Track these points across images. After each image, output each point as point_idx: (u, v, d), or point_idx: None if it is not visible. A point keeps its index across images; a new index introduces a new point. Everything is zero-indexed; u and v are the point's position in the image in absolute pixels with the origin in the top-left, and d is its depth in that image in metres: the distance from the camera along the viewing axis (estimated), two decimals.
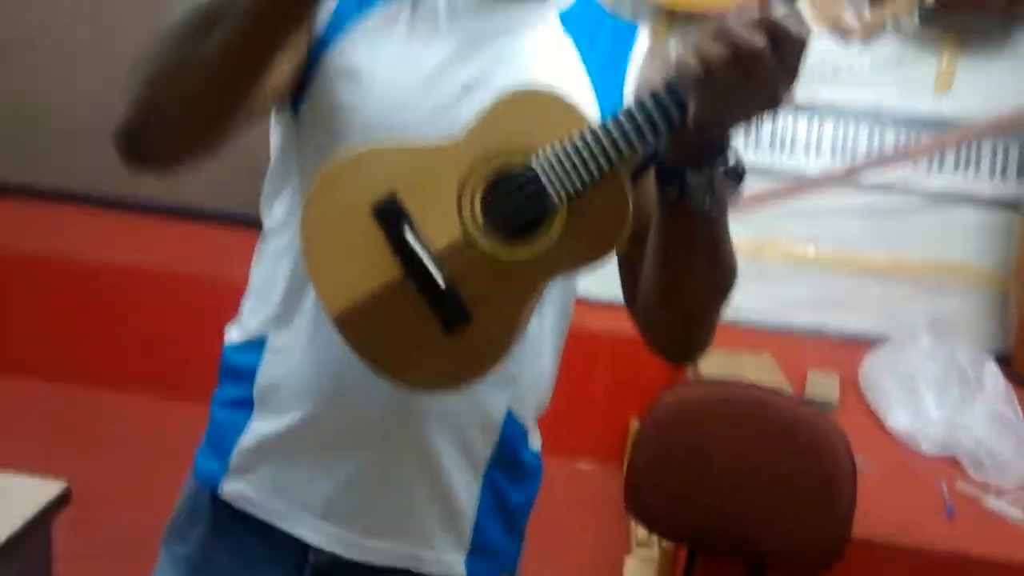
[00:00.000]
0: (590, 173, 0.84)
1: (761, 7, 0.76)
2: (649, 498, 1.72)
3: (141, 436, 2.90)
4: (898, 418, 2.39)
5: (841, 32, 0.81)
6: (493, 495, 1.06)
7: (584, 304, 1.18)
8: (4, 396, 2.98)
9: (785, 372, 2.65)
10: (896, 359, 2.56)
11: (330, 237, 0.89)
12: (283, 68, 0.91)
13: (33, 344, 3.16)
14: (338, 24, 0.95)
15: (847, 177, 2.98)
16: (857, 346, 2.82)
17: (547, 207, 0.86)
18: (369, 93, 0.93)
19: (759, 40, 0.74)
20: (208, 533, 1.06)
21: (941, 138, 2.90)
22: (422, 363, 0.90)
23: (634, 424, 2.99)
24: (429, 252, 0.87)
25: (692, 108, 0.80)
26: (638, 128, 0.83)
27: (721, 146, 0.85)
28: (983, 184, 2.97)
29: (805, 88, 0.79)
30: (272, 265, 1.02)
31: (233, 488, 1.03)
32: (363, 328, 0.89)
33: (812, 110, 2.95)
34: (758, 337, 2.95)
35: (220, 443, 1.05)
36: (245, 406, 1.03)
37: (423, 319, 0.88)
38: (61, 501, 1.35)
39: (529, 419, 1.08)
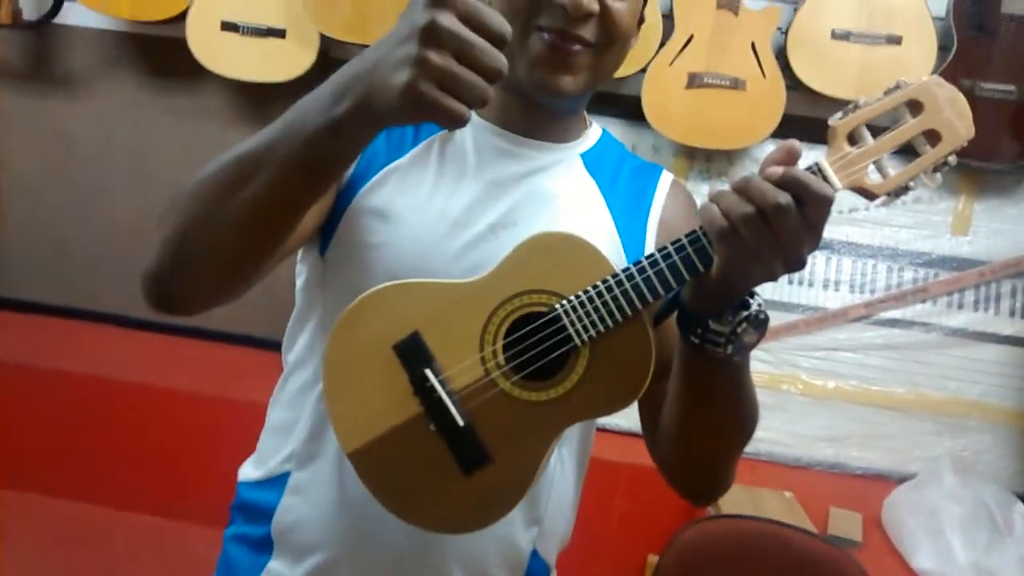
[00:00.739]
0: (613, 318, 0.85)
1: (786, 165, 0.77)
2: None
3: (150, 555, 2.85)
4: (923, 560, 2.31)
5: (865, 192, 0.81)
6: None
7: (601, 433, 1.16)
8: (17, 512, 2.96)
9: (806, 508, 2.59)
10: (919, 497, 2.50)
11: (351, 372, 0.89)
12: (312, 210, 0.90)
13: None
14: (368, 166, 0.97)
15: (866, 312, 2.99)
16: (879, 483, 2.77)
17: (569, 350, 0.86)
18: (398, 232, 0.94)
19: (784, 198, 0.74)
20: None
21: (959, 277, 2.93)
22: (440, 504, 0.88)
23: (652, 560, 2.91)
24: (449, 392, 0.87)
25: (716, 261, 0.81)
26: (662, 276, 0.84)
27: (743, 298, 0.85)
28: (1003, 323, 2.97)
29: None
30: (295, 402, 1.02)
31: None
32: (380, 466, 0.88)
33: (830, 248, 2.99)
34: (778, 472, 2.90)
35: None
36: (263, 546, 1.01)
37: (442, 459, 0.87)
38: None
39: (552, 556, 1.07)
